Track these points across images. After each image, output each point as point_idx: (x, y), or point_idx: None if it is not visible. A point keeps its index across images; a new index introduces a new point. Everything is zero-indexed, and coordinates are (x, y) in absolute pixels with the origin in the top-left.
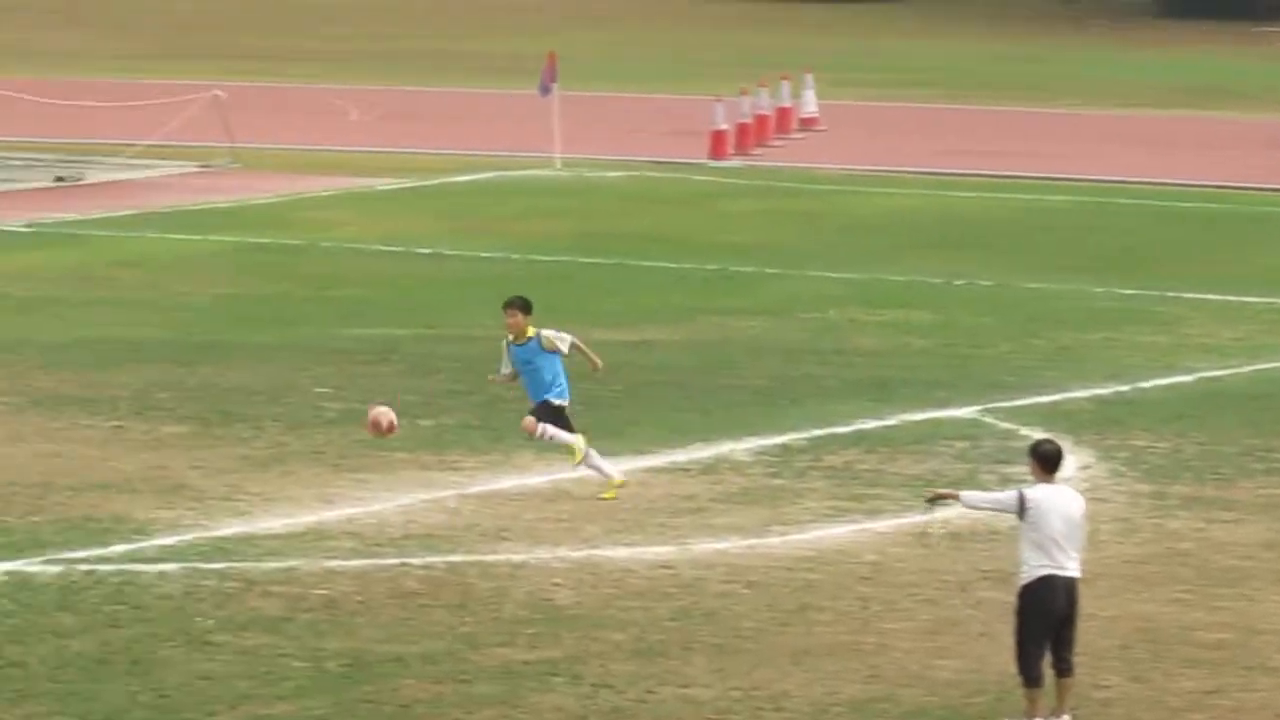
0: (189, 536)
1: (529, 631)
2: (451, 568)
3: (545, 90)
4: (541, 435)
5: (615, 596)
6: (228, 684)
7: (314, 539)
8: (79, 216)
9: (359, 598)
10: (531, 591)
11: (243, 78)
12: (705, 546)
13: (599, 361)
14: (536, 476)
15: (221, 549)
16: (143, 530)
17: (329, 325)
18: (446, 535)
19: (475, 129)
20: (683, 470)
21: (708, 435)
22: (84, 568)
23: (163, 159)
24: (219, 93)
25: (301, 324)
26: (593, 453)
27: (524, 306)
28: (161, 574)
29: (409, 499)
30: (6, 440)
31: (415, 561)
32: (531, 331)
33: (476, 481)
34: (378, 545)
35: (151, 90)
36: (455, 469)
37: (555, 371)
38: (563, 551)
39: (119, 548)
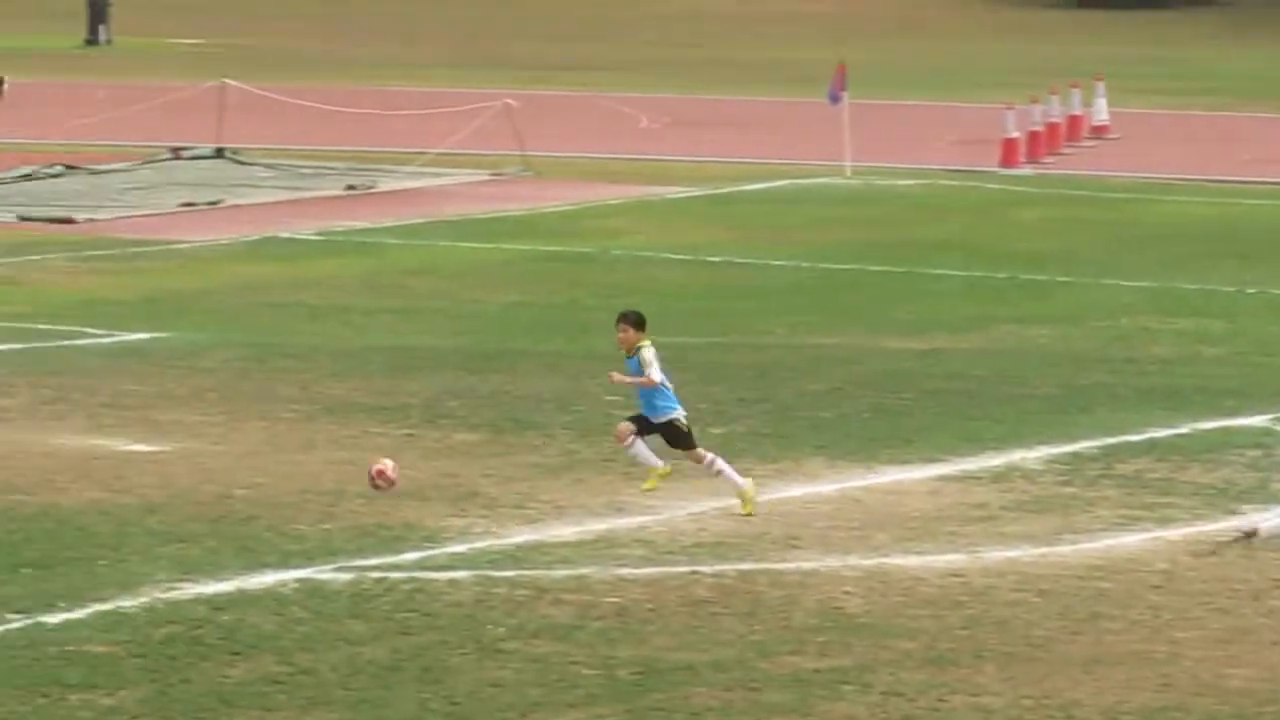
0: (480, 544)
1: (819, 639)
2: (742, 575)
3: (835, 99)
4: (627, 448)
5: (905, 605)
6: (518, 691)
7: (605, 546)
8: (370, 224)
9: (650, 605)
10: (822, 600)
11: (533, 86)
12: (996, 554)
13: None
14: (826, 485)
15: (513, 556)
16: (434, 538)
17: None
18: (737, 543)
19: (765, 137)
20: (973, 478)
21: (999, 443)
22: (375, 575)
23: (454, 167)
24: (510, 101)
25: (592, 332)
26: (649, 456)
27: (636, 321)
28: (452, 581)
29: (700, 506)
30: (298, 448)
31: (706, 569)
32: (642, 345)
33: (767, 490)
34: (669, 553)
35: (442, 99)
36: (746, 477)
37: (660, 388)
38: (853, 559)
39: (410, 555)
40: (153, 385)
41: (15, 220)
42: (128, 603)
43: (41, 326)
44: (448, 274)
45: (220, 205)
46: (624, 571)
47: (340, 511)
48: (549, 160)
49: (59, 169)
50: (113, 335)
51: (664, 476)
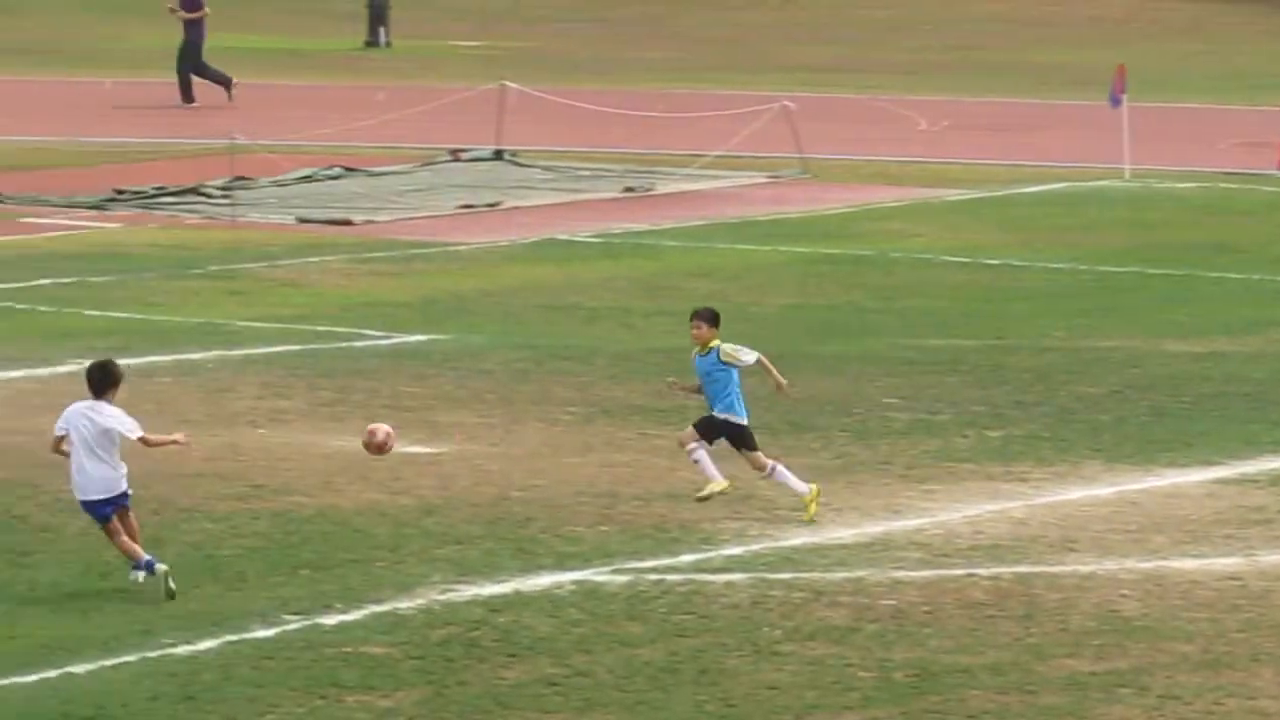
0: (756, 546)
1: (1095, 642)
2: (1018, 578)
3: (1115, 101)
4: (690, 453)
5: (1182, 608)
6: (795, 694)
7: (881, 549)
8: (648, 227)
9: (926, 608)
10: (1098, 602)
11: (809, 89)
12: (1274, 558)
13: (783, 381)
14: (1104, 488)
15: (789, 559)
16: (710, 540)
17: (897, 335)
18: (1013, 546)
19: (1043, 140)
20: (1251, 481)
21: (1277, 446)
22: (652, 577)
23: (732, 169)
24: (788, 103)
25: (869, 334)
26: (711, 469)
27: (710, 318)
28: (729, 584)
29: (976, 510)
30: (575, 450)
31: (982, 572)
32: (715, 343)
33: (1043, 492)
34: (944, 556)
35: (719, 101)
36: (1023, 480)
37: (730, 386)
38: (1130, 562)
39: (687, 557)
40: (431, 387)
41: (294, 222)
42: (405, 604)
43: (320, 328)
44: (725, 276)
45: (498, 207)
46: (900, 574)
47: (617, 514)
48: (827, 163)
49: (338, 171)
50: (391, 337)
51: (723, 492)
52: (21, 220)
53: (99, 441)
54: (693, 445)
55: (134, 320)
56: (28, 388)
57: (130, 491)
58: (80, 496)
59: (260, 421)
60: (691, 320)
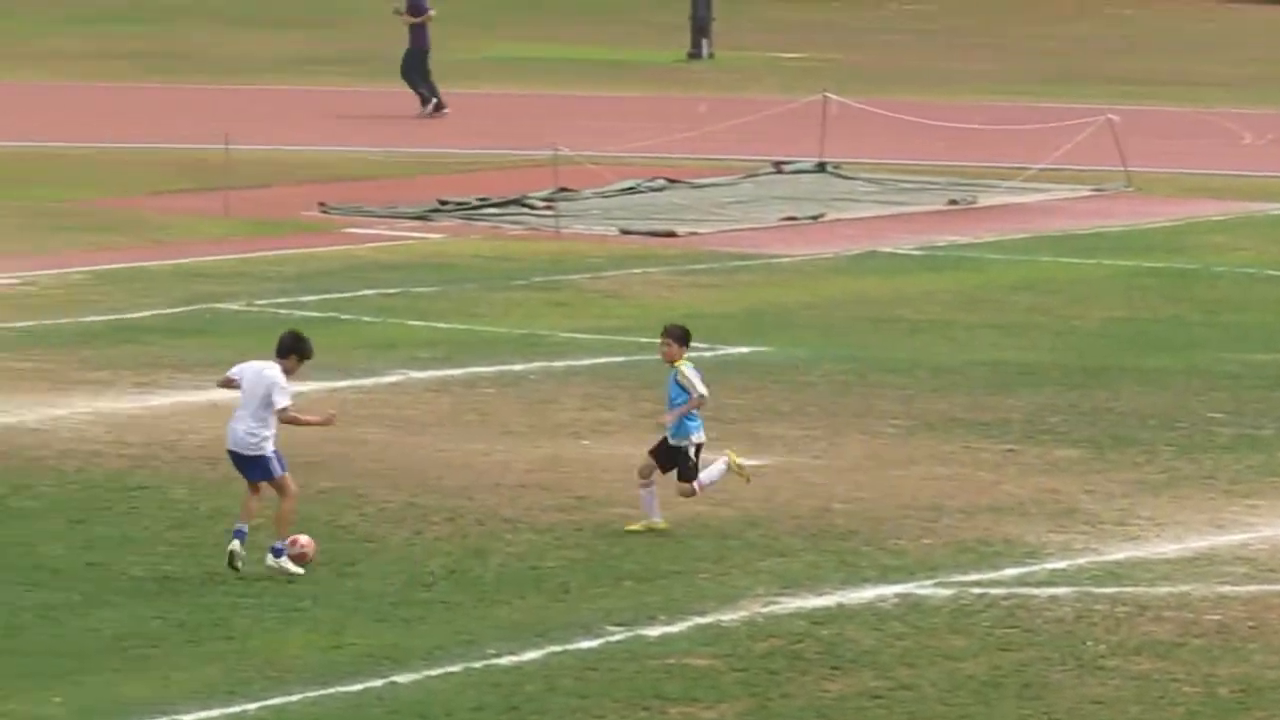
0: (1081, 560)
1: None
2: None
3: None
4: (641, 487)
5: None
6: (1119, 709)
7: (1205, 564)
8: (971, 240)
9: (1251, 623)
10: None
11: (1132, 101)
12: None
13: (668, 421)
14: None
15: (1113, 573)
16: (1035, 553)
17: (1221, 349)
18: None
19: None
20: None
21: None
22: (976, 591)
23: (1055, 183)
24: (1112, 116)
25: (1194, 348)
26: (653, 507)
27: (679, 337)
28: (1053, 598)
29: None
30: (898, 463)
31: None
32: (679, 363)
33: None
34: (1270, 570)
35: (1041, 114)
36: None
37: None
38: None
39: (1010, 571)
40: (754, 399)
41: (618, 233)
42: (727, 616)
43: (643, 340)
44: (1048, 289)
45: (821, 219)
46: (1225, 589)
47: (940, 527)
48: (1151, 176)
49: (661, 183)
50: (715, 349)
51: (655, 530)
52: (345, 231)
53: (258, 399)
54: (647, 482)
55: (457, 331)
56: (352, 398)
57: (272, 457)
58: (227, 445)
59: (583, 433)
60: (661, 337)
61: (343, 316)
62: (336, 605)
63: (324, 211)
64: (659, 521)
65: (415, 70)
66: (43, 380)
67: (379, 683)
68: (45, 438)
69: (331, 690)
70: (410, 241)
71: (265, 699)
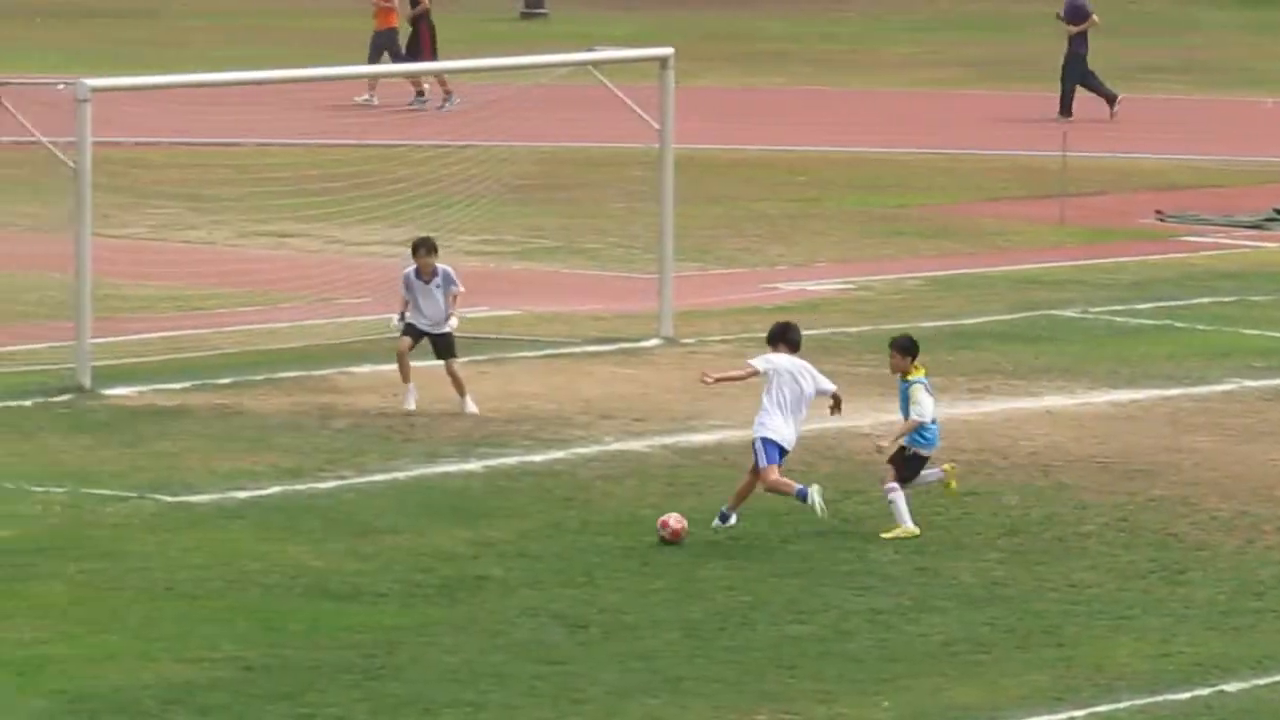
0: None
1: None
2: None
3: None
4: (886, 492)
5: None
6: None
7: None
8: None
9: None
10: None
11: None
12: None
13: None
14: None
15: None
16: None
17: None
18: None
19: None
20: None
21: None
22: None
23: None
24: None
25: None
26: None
27: (903, 347)
28: None
29: None
30: None
31: None
32: (915, 374)
33: None
34: None
35: None
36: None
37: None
38: None
39: None
40: None
41: None
42: None
43: None
44: None
45: None
46: None
47: None
48: None
49: None
50: None
51: (909, 537)
52: (1181, 239)
53: (801, 402)
54: (892, 484)
55: None
56: (1185, 406)
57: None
58: (759, 434)
59: None
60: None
61: (1177, 324)
62: (1166, 613)
63: (1160, 219)
64: (914, 529)
65: (1076, 73)
66: (877, 385)
67: (1206, 691)
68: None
69: (1159, 698)
70: (1246, 250)
71: (1093, 706)
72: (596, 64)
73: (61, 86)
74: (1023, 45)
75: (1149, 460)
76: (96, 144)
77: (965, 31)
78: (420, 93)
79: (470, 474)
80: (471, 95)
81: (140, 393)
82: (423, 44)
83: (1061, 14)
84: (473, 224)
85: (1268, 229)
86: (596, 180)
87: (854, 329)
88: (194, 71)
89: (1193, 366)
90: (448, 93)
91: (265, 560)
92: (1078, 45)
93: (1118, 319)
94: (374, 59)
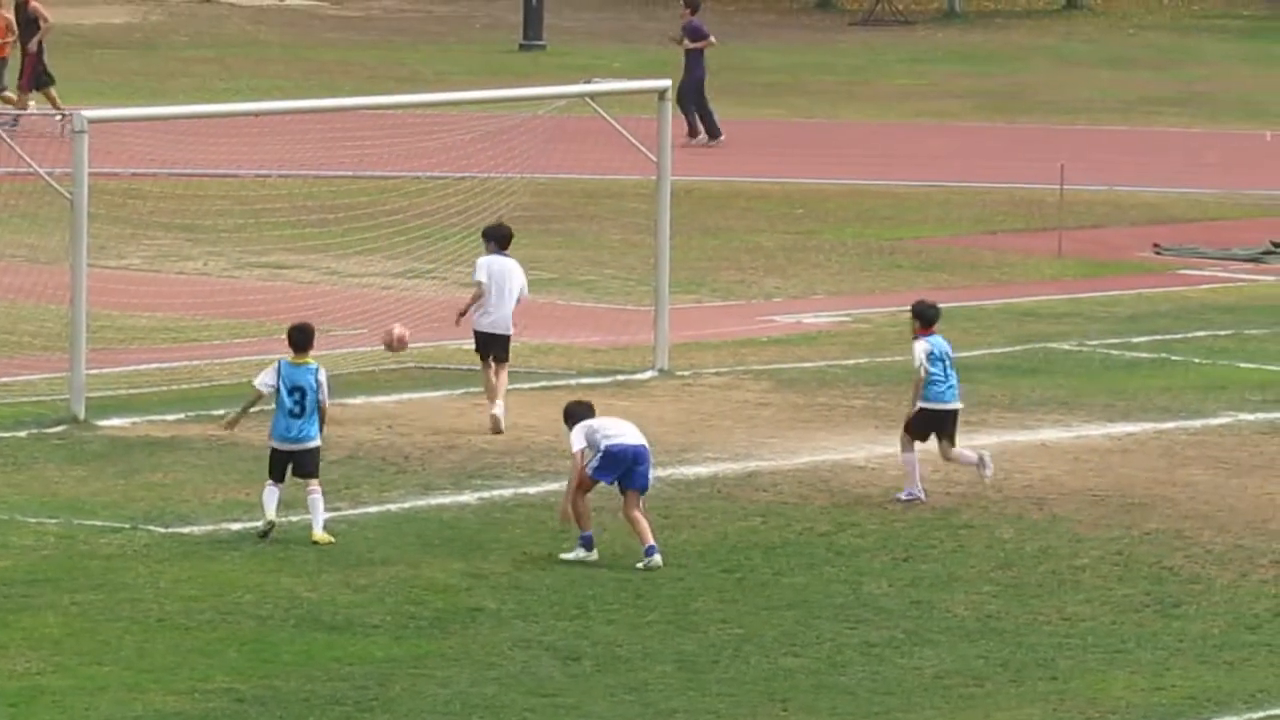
0: None
1: None
2: None
3: None
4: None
5: None
6: None
7: None
8: None
9: None
10: None
11: None
12: None
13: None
14: None
15: None
16: None
17: None
18: None
19: None
20: None
21: None
22: None
23: None
24: None
25: None
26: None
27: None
28: None
29: None
30: None
31: None
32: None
33: None
34: None
35: None
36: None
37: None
38: None
39: None
40: None
41: None
42: None
43: None
44: None
45: None
46: None
47: None
48: None
49: None
50: None
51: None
52: (1178, 272)
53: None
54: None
55: None
56: (1181, 439)
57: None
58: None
59: None
60: None
61: (1173, 357)
62: (1160, 647)
63: (1157, 252)
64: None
65: (692, 95)
66: (872, 418)
67: None
68: (872, 475)
69: None
70: (1242, 283)
71: None
72: (594, 96)
73: (59, 118)
74: (1020, 77)
75: (1144, 493)
76: (93, 175)
77: (962, 64)
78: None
79: (464, 506)
80: (470, 126)
81: (135, 424)
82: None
83: (679, 35)
84: (470, 255)
85: (1265, 262)
86: (593, 212)
87: (850, 361)
88: (191, 103)
89: (1189, 400)
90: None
91: (258, 591)
92: (695, 67)
93: (1114, 352)
94: None
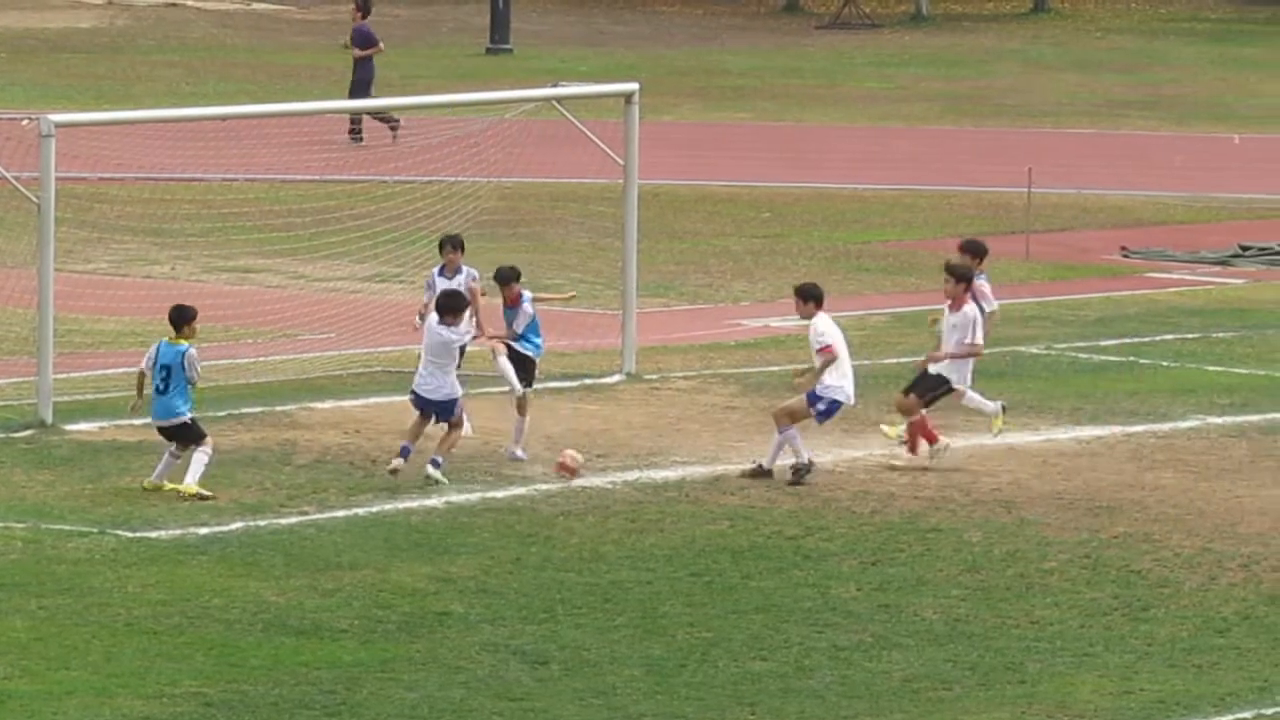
0: None
1: None
2: None
3: None
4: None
5: None
6: None
7: None
8: None
9: None
10: None
11: None
12: None
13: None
14: None
15: None
16: None
17: None
18: None
19: None
20: None
21: None
22: None
23: None
24: None
25: None
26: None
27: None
28: None
29: None
30: None
31: None
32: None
33: None
34: None
35: None
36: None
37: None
38: None
39: None
40: None
41: None
42: None
43: None
44: None
45: None
46: None
47: None
48: None
49: None
50: None
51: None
52: (1146, 275)
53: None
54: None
55: (1256, 377)
56: (1149, 442)
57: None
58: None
59: None
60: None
61: (1142, 361)
62: (1128, 650)
63: (1125, 256)
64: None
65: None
66: (840, 420)
67: None
68: (841, 479)
69: None
70: (1210, 286)
71: None
72: (561, 99)
73: (25, 122)
74: (988, 81)
75: (1112, 497)
76: (60, 179)
77: (929, 67)
78: None
79: (431, 510)
80: (436, 130)
81: (102, 428)
82: None
83: (349, 41)
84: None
85: (1233, 265)
86: (560, 216)
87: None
88: (158, 107)
89: (1157, 403)
90: None
91: (226, 596)
92: (362, 71)
93: (1082, 355)
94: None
